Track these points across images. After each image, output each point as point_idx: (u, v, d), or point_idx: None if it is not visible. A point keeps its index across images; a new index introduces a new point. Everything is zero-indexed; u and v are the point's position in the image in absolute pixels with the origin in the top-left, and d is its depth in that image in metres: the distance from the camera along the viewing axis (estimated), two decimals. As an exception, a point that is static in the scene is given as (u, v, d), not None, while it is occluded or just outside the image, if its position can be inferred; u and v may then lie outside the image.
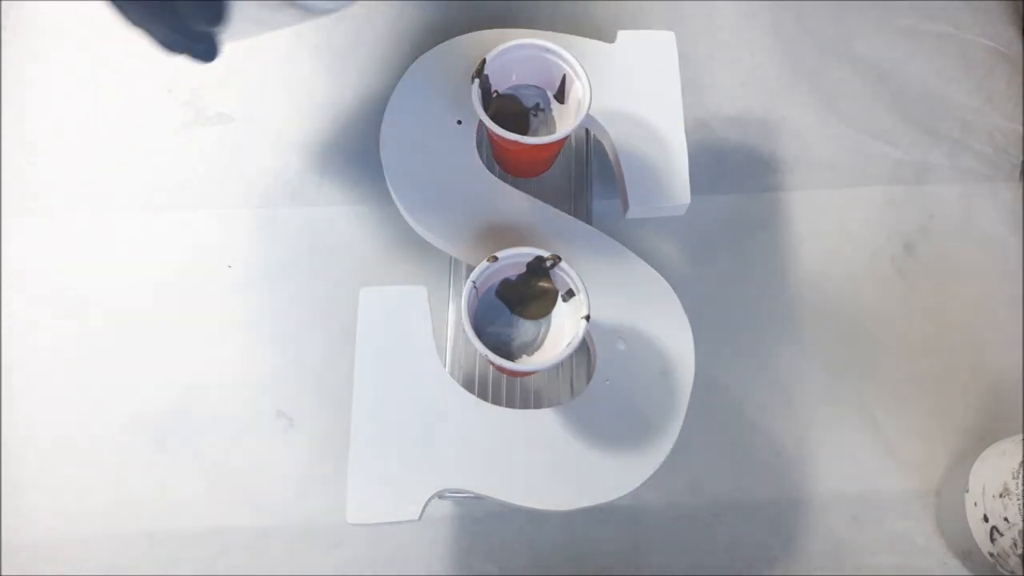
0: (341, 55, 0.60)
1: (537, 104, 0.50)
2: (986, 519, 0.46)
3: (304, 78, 0.60)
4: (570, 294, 0.43)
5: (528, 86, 0.50)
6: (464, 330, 0.40)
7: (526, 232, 0.47)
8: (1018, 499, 0.44)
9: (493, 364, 0.43)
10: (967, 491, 0.48)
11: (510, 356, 0.43)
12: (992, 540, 0.45)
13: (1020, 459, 0.45)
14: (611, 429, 0.44)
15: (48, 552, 0.50)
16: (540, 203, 0.48)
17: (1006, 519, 0.44)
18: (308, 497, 0.51)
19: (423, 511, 0.42)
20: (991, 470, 0.47)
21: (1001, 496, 0.45)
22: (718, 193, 0.58)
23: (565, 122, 0.49)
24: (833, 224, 0.57)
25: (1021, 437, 0.46)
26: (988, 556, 0.46)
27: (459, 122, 0.49)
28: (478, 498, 0.44)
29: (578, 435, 0.44)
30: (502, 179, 0.49)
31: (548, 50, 0.47)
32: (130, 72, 0.60)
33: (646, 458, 0.43)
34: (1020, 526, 0.43)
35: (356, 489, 0.42)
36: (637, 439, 0.44)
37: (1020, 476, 0.44)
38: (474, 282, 0.42)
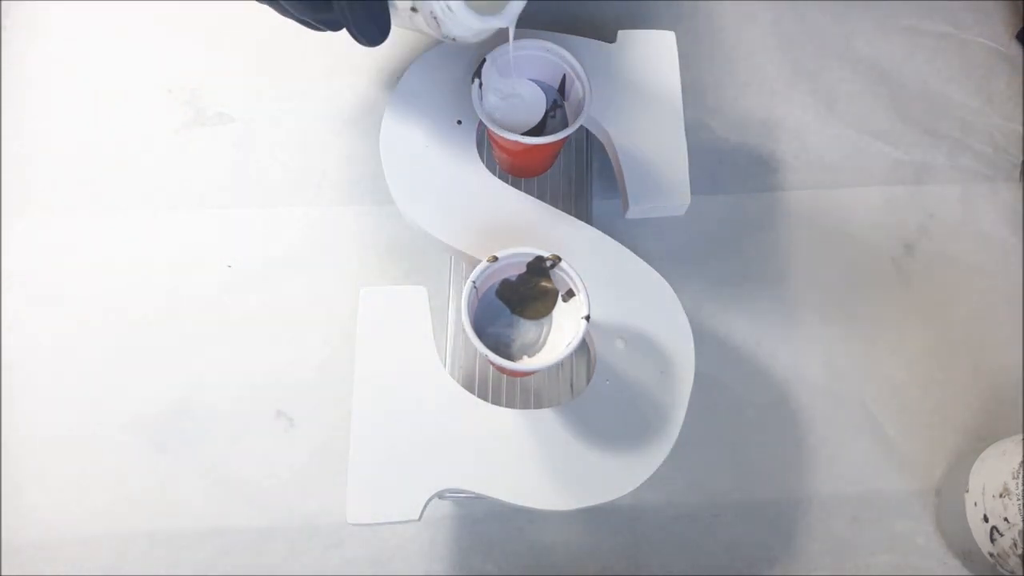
0: (341, 55, 0.60)
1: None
2: (986, 519, 0.46)
3: (304, 78, 0.60)
4: (570, 294, 0.43)
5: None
6: (464, 330, 0.40)
7: (526, 232, 0.47)
8: (1018, 499, 0.44)
9: (493, 364, 0.43)
10: (967, 491, 0.48)
11: (510, 356, 0.43)
12: (992, 540, 0.45)
13: (1020, 459, 0.45)
14: (611, 429, 0.44)
15: (48, 552, 0.50)
16: (540, 203, 0.48)
17: (1006, 519, 0.44)
18: (308, 497, 0.51)
19: (423, 511, 0.42)
20: (991, 470, 0.47)
21: (1001, 496, 0.45)
22: (718, 193, 0.58)
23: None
24: (833, 224, 0.57)
25: (1021, 437, 0.46)
26: (988, 556, 0.46)
27: (459, 122, 0.49)
28: (478, 498, 0.44)
29: (578, 435, 0.44)
30: (502, 179, 0.49)
31: (548, 50, 0.47)
32: (130, 72, 0.60)
33: (646, 458, 0.43)
34: (1020, 526, 0.43)
35: (356, 489, 0.42)
36: (637, 439, 0.44)
37: (1020, 476, 0.44)
38: (474, 282, 0.42)
